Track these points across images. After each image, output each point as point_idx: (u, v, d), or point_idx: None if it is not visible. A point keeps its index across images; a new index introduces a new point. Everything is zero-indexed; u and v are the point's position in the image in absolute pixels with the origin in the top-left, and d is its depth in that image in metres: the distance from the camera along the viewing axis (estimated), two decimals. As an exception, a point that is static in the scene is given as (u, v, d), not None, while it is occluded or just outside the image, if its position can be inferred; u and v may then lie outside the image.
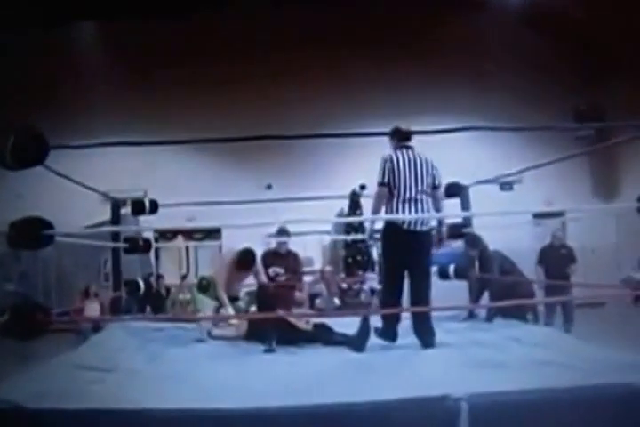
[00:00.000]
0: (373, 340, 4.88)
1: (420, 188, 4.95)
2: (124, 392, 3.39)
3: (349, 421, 2.93)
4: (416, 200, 4.93)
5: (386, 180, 4.92)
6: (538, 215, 12.45)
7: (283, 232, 7.41)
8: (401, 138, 5.13)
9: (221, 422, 2.90)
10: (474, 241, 6.64)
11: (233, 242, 10.35)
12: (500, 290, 6.31)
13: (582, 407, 3.05)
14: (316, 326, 5.22)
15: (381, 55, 13.80)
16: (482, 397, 2.98)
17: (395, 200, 4.93)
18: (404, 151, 5.03)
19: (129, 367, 4.17)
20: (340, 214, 10.52)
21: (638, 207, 4.25)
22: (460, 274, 6.73)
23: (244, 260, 6.07)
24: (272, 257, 7.39)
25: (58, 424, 2.94)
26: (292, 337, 4.99)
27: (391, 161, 4.94)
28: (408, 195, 4.91)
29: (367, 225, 5.55)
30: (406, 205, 4.91)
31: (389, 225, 4.96)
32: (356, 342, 4.75)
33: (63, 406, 3.00)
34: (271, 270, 7.29)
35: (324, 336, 5.05)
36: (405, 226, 4.88)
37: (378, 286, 9.27)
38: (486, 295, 6.59)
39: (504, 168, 7.28)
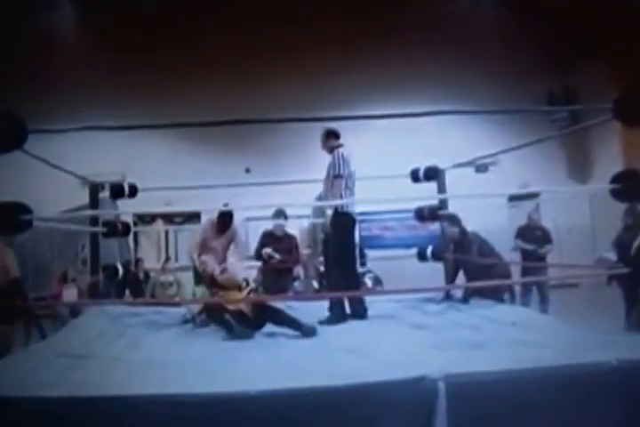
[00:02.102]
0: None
1: (354, 178, 5.69)
2: (104, 379, 3.38)
3: (327, 403, 2.94)
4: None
5: (343, 172, 5.51)
6: (513, 197, 12.54)
7: (279, 214, 7.45)
8: (338, 137, 5.77)
9: (200, 406, 2.91)
10: (452, 219, 6.70)
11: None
12: (477, 271, 6.38)
13: (559, 386, 3.10)
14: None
15: (355, 41, 13.74)
16: (459, 377, 3.01)
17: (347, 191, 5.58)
18: (343, 148, 5.68)
19: (107, 353, 4.16)
20: (320, 198, 10.49)
21: (611, 189, 4.30)
22: (437, 256, 6.79)
23: (219, 219, 6.42)
24: (268, 239, 7.45)
25: (37, 412, 2.91)
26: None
27: (343, 157, 5.56)
28: (351, 184, 5.62)
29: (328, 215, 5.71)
30: (351, 194, 5.64)
31: (348, 213, 5.57)
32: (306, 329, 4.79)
33: (42, 394, 2.98)
34: (263, 251, 7.35)
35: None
36: (353, 214, 5.66)
37: (361, 269, 9.31)
38: (462, 276, 6.67)
39: (479, 151, 7.33)
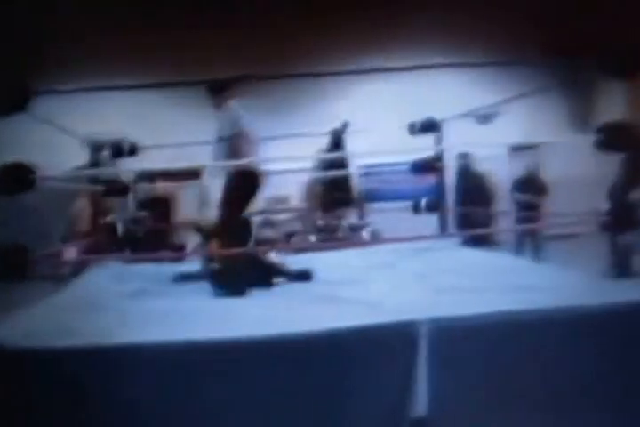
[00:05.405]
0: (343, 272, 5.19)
1: None
2: (111, 330, 3.48)
3: (308, 350, 2.98)
4: None
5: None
6: (514, 148, 12.50)
7: None
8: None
9: (201, 352, 2.99)
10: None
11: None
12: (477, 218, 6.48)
13: (547, 330, 3.13)
14: None
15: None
16: (442, 321, 3.05)
17: None
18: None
19: (114, 306, 4.27)
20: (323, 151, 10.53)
21: (595, 140, 4.25)
22: (431, 207, 6.83)
23: None
24: None
25: (42, 362, 3.00)
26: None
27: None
28: None
29: None
30: None
31: None
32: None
33: (47, 345, 3.05)
34: None
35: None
36: None
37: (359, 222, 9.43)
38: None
39: (479, 102, 7.34)
